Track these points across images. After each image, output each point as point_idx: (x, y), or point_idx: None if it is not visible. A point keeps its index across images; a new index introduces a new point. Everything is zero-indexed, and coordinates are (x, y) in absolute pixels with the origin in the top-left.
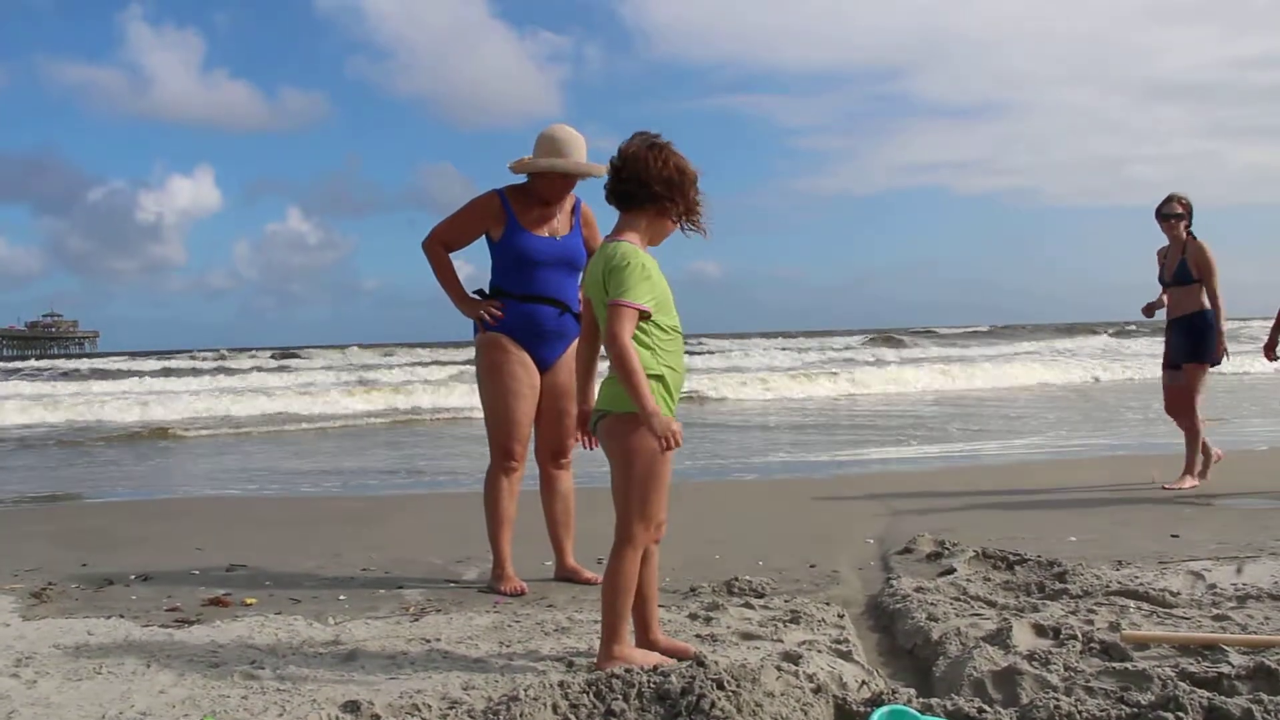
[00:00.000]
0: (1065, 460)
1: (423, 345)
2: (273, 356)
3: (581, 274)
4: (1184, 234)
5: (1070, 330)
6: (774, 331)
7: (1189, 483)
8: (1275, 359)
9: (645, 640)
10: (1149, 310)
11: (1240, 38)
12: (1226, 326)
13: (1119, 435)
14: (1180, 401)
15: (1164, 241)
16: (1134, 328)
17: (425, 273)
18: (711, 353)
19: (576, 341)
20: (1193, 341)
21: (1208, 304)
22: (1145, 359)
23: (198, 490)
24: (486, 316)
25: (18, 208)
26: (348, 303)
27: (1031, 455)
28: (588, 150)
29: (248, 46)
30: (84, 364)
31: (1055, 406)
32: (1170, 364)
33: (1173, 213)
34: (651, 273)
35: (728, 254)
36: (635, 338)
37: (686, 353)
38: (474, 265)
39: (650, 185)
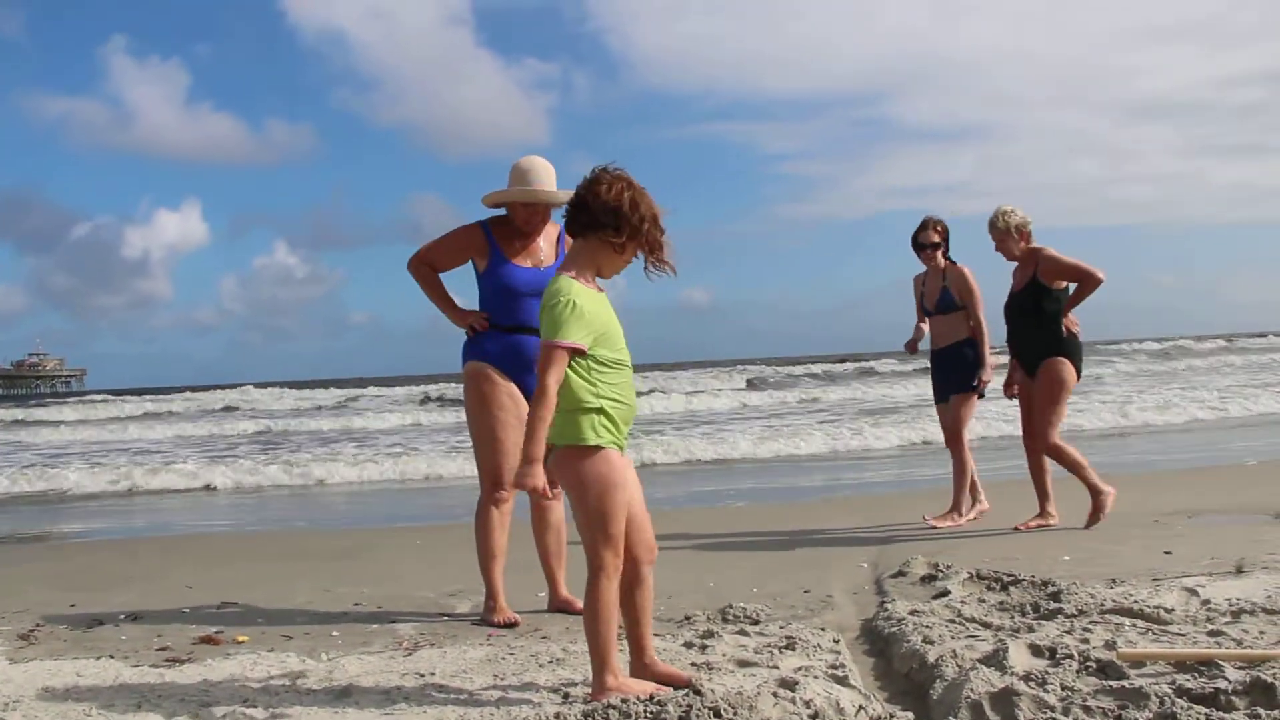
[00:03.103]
0: (1058, 479)
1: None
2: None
3: None
4: (943, 261)
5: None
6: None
7: (952, 521)
8: (1014, 396)
9: (639, 664)
10: (912, 346)
11: (1220, 56)
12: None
13: (1110, 455)
14: (948, 434)
15: (921, 269)
16: (1131, 346)
17: (414, 306)
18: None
19: None
20: (960, 372)
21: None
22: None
23: (187, 528)
24: (476, 325)
25: (1, 246)
26: (337, 336)
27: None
28: (566, 180)
29: (232, 79)
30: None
31: None
32: (940, 397)
33: (929, 242)
34: (585, 308)
35: (715, 281)
36: (574, 372)
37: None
38: (463, 297)
39: (593, 213)
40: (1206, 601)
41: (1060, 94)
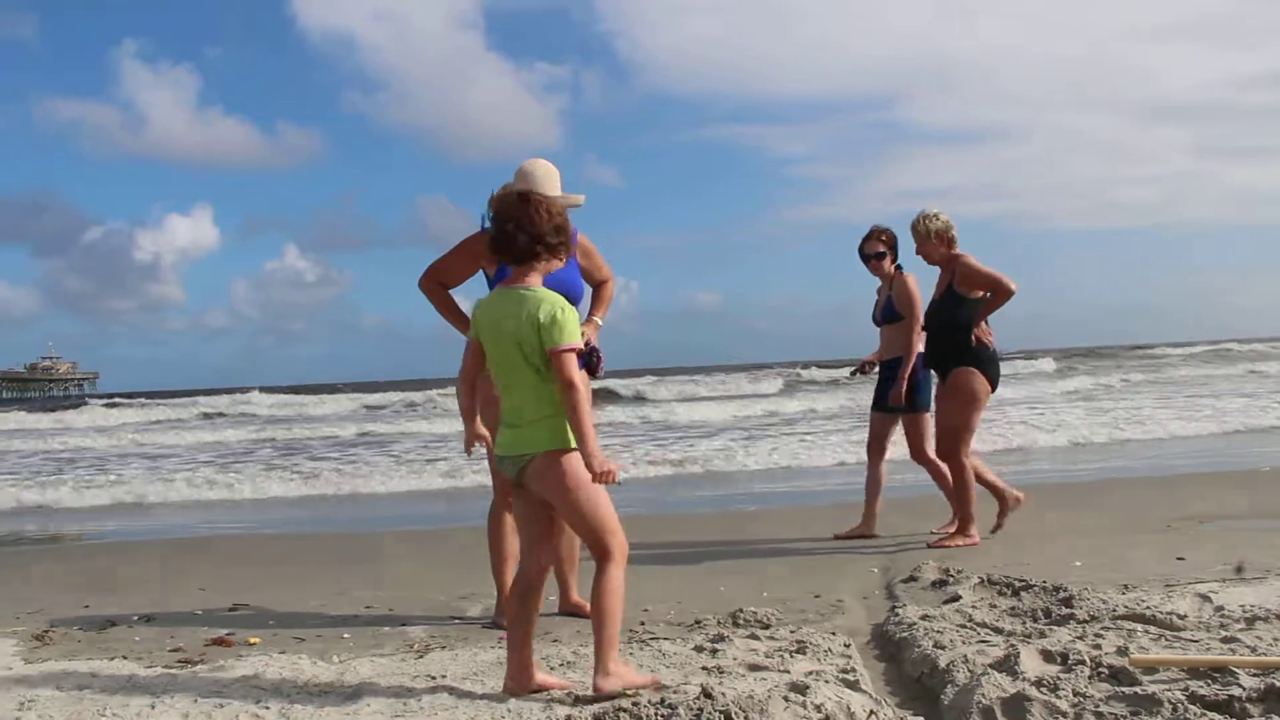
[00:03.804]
0: (1073, 484)
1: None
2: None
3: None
4: (891, 270)
5: (1090, 353)
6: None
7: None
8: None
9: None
10: (864, 369)
11: (1233, 58)
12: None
13: (1122, 460)
14: (916, 451)
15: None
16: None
17: (426, 308)
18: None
19: (460, 381)
20: (909, 389)
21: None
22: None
23: (199, 530)
24: None
25: (16, 249)
26: (348, 339)
27: (1039, 479)
28: (576, 183)
29: (242, 82)
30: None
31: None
32: (878, 405)
33: (874, 252)
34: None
35: (726, 284)
36: (545, 378)
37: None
38: (473, 301)
39: (545, 239)
40: (1220, 608)
41: (1072, 95)
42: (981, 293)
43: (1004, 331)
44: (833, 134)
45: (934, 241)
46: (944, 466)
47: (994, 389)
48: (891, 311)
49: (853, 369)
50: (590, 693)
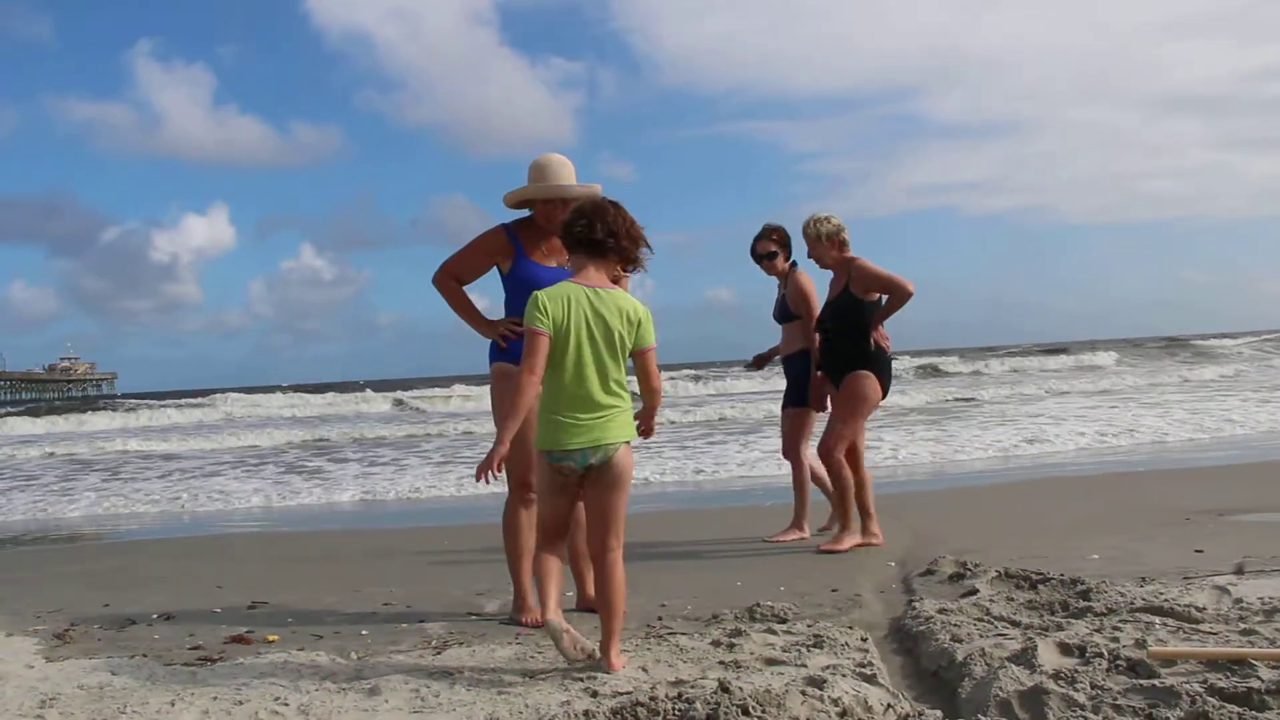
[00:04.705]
0: (1090, 477)
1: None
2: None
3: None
4: (784, 268)
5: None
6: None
7: (794, 536)
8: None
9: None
10: (758, 362)
11: (1252, 49)
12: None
13: (1134, 454)
14: (785, 444)
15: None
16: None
17: (440, 306)
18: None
19: (530, 378)
20: (794, 383)
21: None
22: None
23: (217, 527)
24: (508, 334)
25: (33, 250)
26: (364, 338)
27: (1050, 473)
28: (590, 179)
29: (257, 81)
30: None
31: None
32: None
33: (766, 252)
34: None
35: (742, 281)
36: (623, 372)
37: None
38: (489, 299)
39: (619, 239)
40: (1239, 600)
41: (1088, 89)
42: (878, 295)
43: (1028, 324)
44: (849, 129)
45: (825, 244)
46: (806, 474)
47: (885, 394)
48: (786, 310)
49: (747, 364)
50: (607, 678)
